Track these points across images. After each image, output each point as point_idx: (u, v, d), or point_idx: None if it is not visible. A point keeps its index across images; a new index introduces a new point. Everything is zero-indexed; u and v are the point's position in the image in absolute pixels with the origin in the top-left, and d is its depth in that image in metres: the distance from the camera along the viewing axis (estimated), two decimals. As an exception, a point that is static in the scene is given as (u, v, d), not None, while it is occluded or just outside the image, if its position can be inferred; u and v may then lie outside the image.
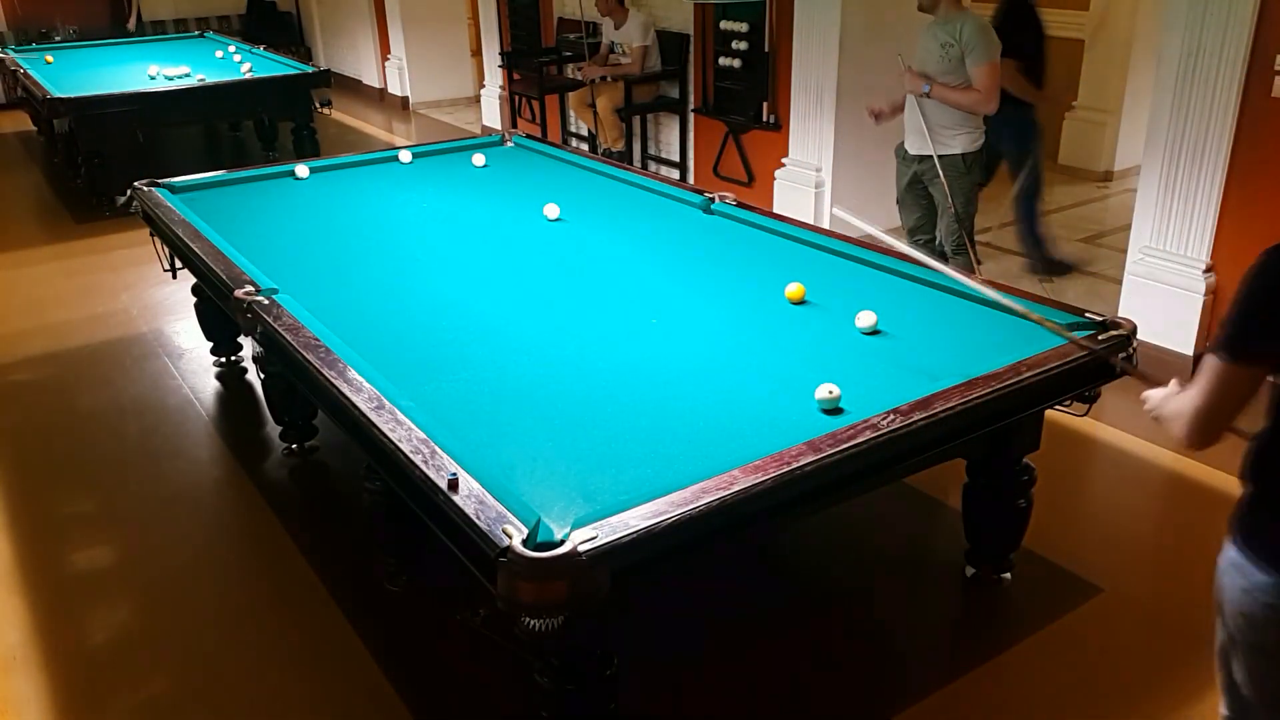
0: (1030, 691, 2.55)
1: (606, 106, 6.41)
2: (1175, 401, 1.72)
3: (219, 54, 8.11)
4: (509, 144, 4.89)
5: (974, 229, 4.28)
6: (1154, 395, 1.83)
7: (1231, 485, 3.38)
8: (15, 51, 8.24)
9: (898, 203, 4.43)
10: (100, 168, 6.57)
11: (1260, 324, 1.55)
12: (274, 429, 3.69)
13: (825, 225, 5.08)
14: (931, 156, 4.09)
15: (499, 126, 7.92)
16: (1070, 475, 3.48)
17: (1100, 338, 2.48)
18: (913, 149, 4.23)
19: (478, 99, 9.27)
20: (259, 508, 3.39)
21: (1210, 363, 1.60)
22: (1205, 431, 1.65)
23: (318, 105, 7.33)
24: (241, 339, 4.27)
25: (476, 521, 1.82)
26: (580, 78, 6.65)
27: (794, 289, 2.95)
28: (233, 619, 2.87)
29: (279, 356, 2.83)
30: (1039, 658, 2.64)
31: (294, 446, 3.64)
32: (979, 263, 4.23)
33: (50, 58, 7.95)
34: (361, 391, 2.32)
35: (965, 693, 2.52)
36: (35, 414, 4.10)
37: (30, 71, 7.18)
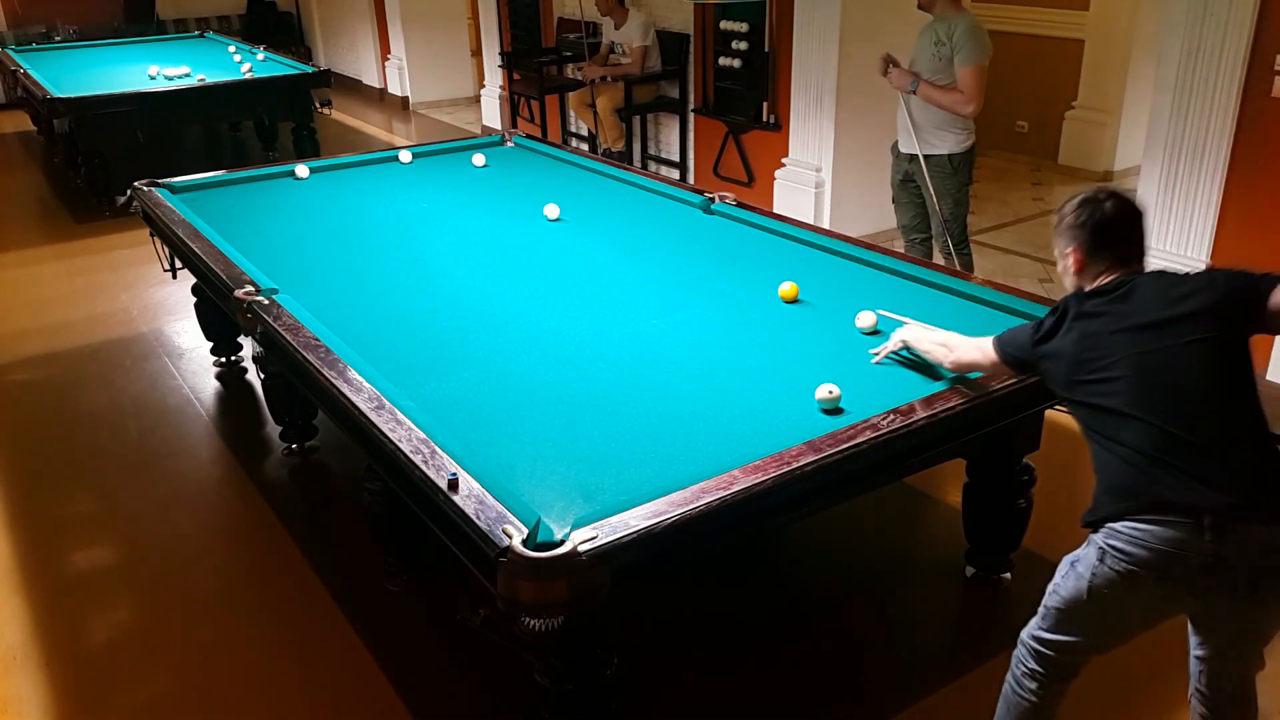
0: (1030, 691, 2.55)
1: (606, 106, 6.40)
2: (960, 349, 2.27)
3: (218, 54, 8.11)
4: (509, 144, 4.89)
5: (966, 229, 4.27)
6: (913, 326, 2.48)
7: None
8: (15, 51, 8.24)
9: (893, 201, 4.43)
10: (100, 168, 6.58)
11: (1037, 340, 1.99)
12: (274, 429, 3.69)
13: (825, 225, 5.09)
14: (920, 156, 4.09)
15: (499, 126, 7.92)
16: (1070, 475, 3.48)
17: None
18: (904, 148, 4.23)
19: (478, 99, 9.27)
20: (259, 508, 3.39)
21: (990, 348, 2.12)
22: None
23: (318, 105, 7.33)
24: (241, 339, 4.27)
25: (476, 521, 1.82)
26: (580, 78, 6.64)
27: (787, 287, 2.95)
28: (233, 619, 2.87)
29: (279, 356, 2.83)
30: (1039, 658, 2.64)
31: (294, 446, 3.64)
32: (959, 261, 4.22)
33: None
34: (361, 391, 2.32)
35: (965, 692, 2.52)
36: (35, 414, 4.10)
37: (30, 71, 7.18)
